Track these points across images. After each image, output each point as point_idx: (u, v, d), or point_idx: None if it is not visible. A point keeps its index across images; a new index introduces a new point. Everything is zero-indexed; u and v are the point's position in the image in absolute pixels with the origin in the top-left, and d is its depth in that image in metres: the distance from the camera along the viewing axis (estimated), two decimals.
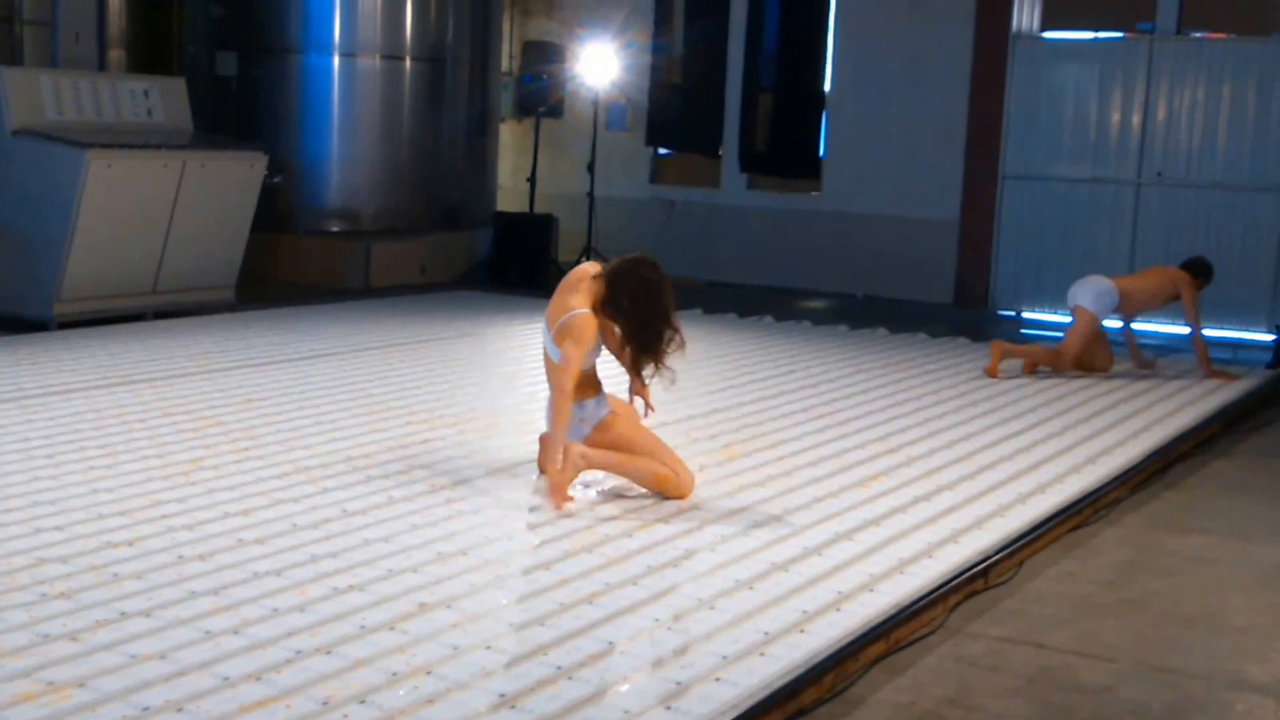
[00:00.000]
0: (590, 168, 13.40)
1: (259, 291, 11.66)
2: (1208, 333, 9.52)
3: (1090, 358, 9.21)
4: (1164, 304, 9.35)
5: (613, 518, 5.46)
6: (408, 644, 4.08)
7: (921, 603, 4.75)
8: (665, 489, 5.69)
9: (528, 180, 13.66)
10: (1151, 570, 5.57)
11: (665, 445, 5.83)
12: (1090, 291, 9.10)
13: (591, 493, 5.78)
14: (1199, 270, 9.30)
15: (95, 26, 11.52)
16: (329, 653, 3.98)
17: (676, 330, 5.60)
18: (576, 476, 5.70)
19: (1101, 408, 8.10)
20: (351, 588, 4.53)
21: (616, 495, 5.75)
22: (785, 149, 14.19)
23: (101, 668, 3.80)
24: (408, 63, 13.35)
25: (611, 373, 6.27)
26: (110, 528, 5.06)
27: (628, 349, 5.68)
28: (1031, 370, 9.14)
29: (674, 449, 5.91)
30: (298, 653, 3.97)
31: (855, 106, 13.50)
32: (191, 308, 10.54)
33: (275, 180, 11.33)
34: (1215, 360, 9.51)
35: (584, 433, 5.73)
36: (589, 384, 5.75)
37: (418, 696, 3.72)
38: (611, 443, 5.72)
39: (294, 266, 12.74)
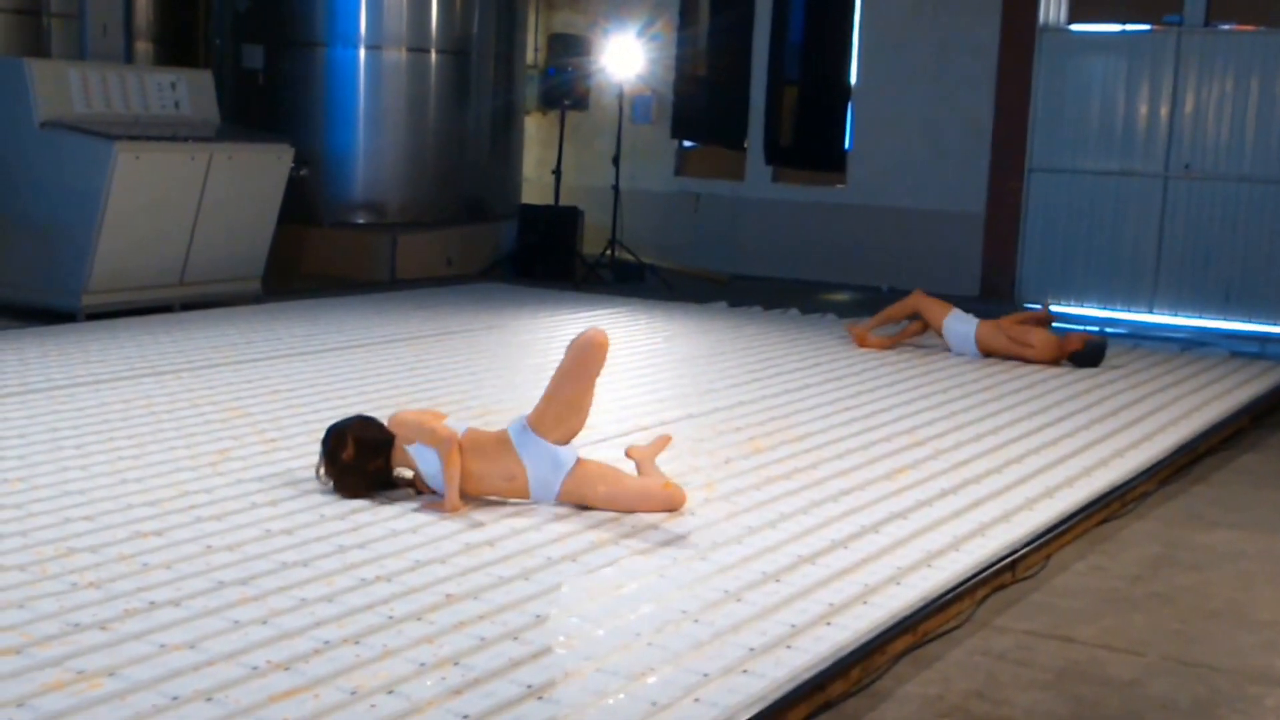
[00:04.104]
0: (615, 160, 13.39)
1: (285, 283, 11.70)
2: (1237, 326, 9.48)
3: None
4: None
5: (639, 511, 5.46)
6: (435, 635, 4.08)
7: (949, 596, 4.74)
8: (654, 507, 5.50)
9: (553, 173, 13.66)
10: (1180, 564, 5.54)
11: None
12: (957, 336, 9.36)
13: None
14: (1084, 353, 9.09)
15: (123, 19, 11.55)
16: (357, 643, 3.99)
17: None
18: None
19: (1129, 401, 8.07)
20: (379, 578, 4.54)
21: None
22: (810, 142, 14.16)
23: (131, 657, 3.82)
24: (433, 55, 13.37)
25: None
26: (139, 518, 5.09)
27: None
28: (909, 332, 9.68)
29: (680, 450, 5.84)
30: (326, 643, 3.98)
31: (881, 99, 13.46)
32: (218, 299, 10.58)
33: (301, 173, 11.36)
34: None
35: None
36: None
37: (445, 687, 3.73)
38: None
39: (320, 258, 12.77)
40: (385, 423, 5.58)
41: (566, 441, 5.43)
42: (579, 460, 5.46)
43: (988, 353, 9.26)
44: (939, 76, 13.14)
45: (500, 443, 5.45)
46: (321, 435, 5.62)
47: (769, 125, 14.13)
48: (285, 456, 6.03)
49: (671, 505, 5.46)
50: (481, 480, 5.44)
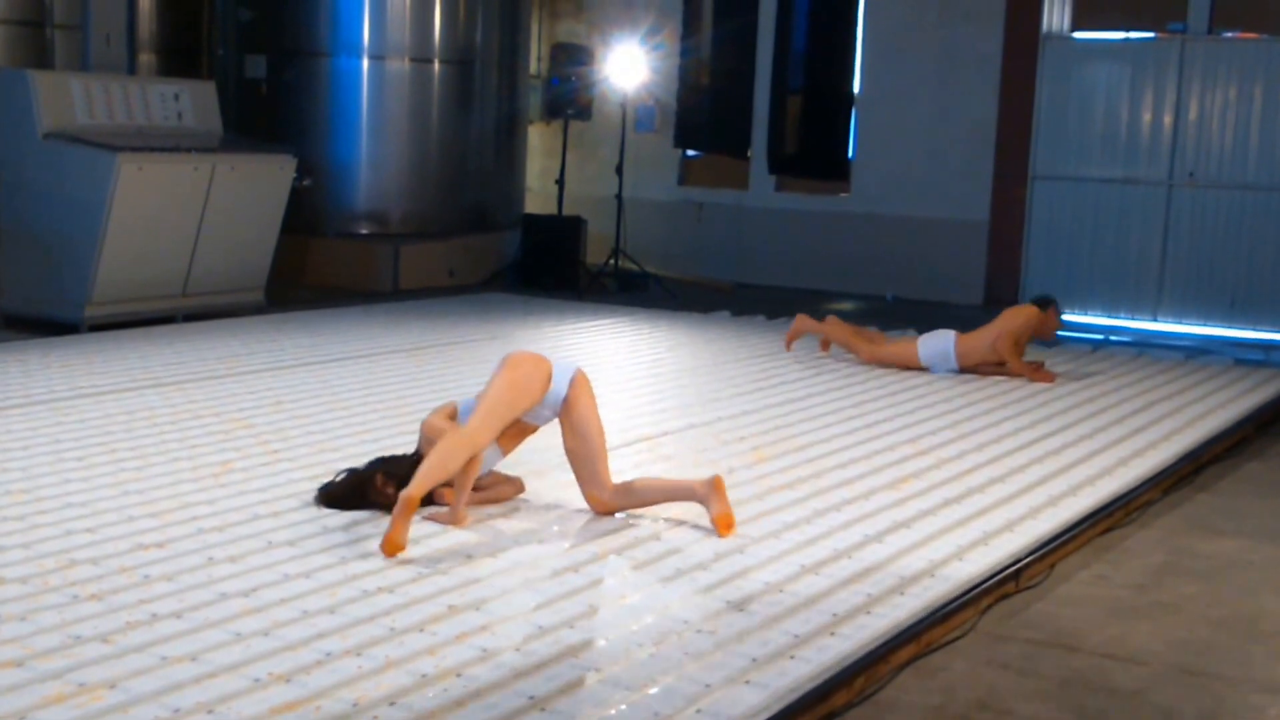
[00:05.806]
0: (619, 169, 13.39)
1: (288, 294, 11.70)
2: (1241, 334, 9.45)
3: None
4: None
5: (641, 521, 5.45)
6: (437, 646, 4.08)
7: (952, 606, 4.73)
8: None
9: (556, 182, 13.67)
10: (1184, 573, 5.53)
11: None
12: (932, 350, 9.04)
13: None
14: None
15: (125, 30, 11.56)
16: (359, 655, 3.99)
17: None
18: None
19: (1133, 409, 8.06)
20: (381, 590, 4.54)
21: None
22: (814, 150, 14.16)
23: (133, 669, 3.82)
24: (436, 65, 13.38)
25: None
26: (141, 530, 5.08)
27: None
28: (826, 347, 9.47)
29: (683, 460, 5.85)
30: (328, 655, 3.97)
31: (884, 107, 13.46)
32: (221, 310, 10.58)
33: (304, 183, 11.37)
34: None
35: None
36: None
37: (447, 699, 3.72)
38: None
39: (323, 269, 12.77)
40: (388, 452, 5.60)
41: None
42: (579, 372, 5.54)
43: (967, 366, 9.03)
44: (942, 85, 13.14)
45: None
46: (321, 449, 5.59)
47: (772, 134, 14.13)
48: (288, 468, 6.02)
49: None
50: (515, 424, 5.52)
